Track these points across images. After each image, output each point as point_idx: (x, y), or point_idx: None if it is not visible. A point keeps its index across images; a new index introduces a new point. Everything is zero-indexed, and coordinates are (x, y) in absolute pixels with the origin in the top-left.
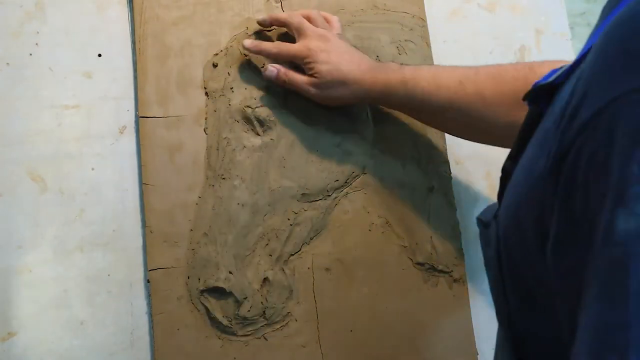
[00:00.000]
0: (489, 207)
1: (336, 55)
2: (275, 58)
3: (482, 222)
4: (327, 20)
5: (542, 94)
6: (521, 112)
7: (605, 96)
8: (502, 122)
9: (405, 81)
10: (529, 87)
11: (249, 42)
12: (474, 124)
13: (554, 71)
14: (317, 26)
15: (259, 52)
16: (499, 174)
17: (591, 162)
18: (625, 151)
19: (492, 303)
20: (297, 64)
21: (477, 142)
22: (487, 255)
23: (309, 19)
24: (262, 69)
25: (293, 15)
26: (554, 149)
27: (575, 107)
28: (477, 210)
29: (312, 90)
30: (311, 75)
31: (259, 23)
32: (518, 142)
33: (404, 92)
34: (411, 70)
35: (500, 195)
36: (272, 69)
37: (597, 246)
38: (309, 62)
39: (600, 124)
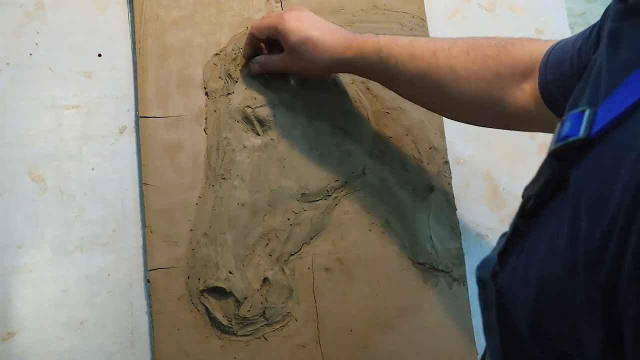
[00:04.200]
0: (485, 262)
1: (308, 20)
2: (257, 35)
3: (481, 282)
4: None
5: (572, 151)
6: (488, 90)
7: None
8: (470, 98)
9: (379, 48)
10: (500, 65)
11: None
12: (444, 98)
13: (576, 118)
14: None
15: (249, 44)
16: (499, 174)
17: None
18: None
19: None
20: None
21: (447, 117)
22: (489, 319)
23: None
24: (248, 69)
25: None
26: (620, 223)
27: None
28: (477, 210)
29: (287, 62)
30: (285, 46)
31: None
32: (536, 202)
33: (377, 60)
34: (387, 39)
35: (503, 253)
36: (254, 65)
37: None
38: (281, 31)
39: None
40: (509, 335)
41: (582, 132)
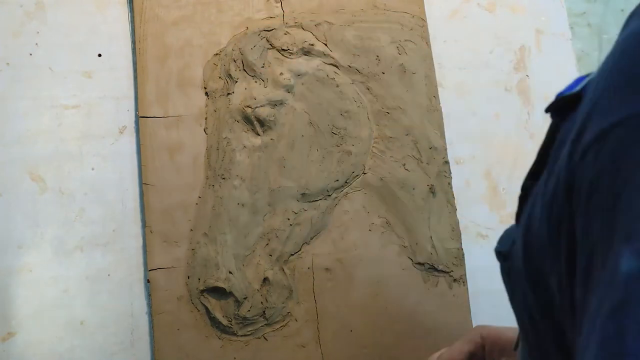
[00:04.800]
0: (506, 234)
1: None
2: None
3: (501, 255)
4: None
5: (565, 106)
6: None
7: (608, 119)
8: None
9: None
10: None
11: None
12: None
13: (580, 79)
14: None
15: None
16: (499, 173)
17: (593, 189)
18: (632, 181)
19: (491, 303)
20: None
21: None
22: (511, 289)
23: None
24: None
25: None
26: (563, 171)
27: (580, 129)
28: (477, 210)
29: None
30: None
31: None
32: (538, 158)
33: None
34: None
35: (519, 216)
36: None
37: (601, 285)
38: None
39: (604, 149)
40: (535, 300)
41: (577, 88)
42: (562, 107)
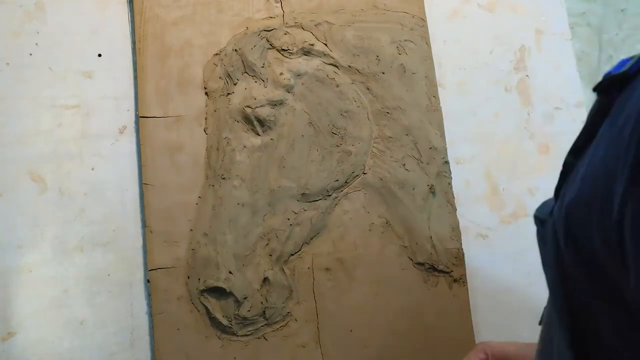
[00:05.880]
0: (545, 204)
1: None
2: None
3: (539, 220)
4: None
5: (613, 85)
6: None
7: None
8: None
9: None
10: None
11: None
12: None
13: (626, 60)
14: None
15: None
16: (499, 173)
17: None
18: None
19: (491, 303)
20: None
21: None
22: (545, 254)
23: None
24: None
25: None
26: (632, 152)
27: None
28: (477, 210)
29: None
30: None
31: None
32: (584, 136)
33: None
34: None
35: (558, 189)
36: None
37: None
38: None
39: None
40: (571, 264)
41: (623, 69)
42: (608, 87)
